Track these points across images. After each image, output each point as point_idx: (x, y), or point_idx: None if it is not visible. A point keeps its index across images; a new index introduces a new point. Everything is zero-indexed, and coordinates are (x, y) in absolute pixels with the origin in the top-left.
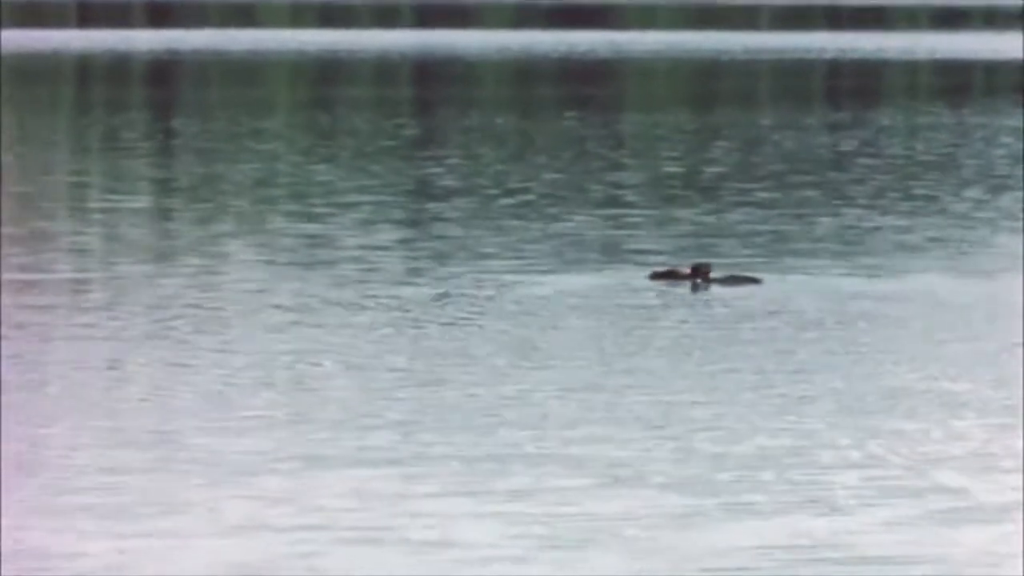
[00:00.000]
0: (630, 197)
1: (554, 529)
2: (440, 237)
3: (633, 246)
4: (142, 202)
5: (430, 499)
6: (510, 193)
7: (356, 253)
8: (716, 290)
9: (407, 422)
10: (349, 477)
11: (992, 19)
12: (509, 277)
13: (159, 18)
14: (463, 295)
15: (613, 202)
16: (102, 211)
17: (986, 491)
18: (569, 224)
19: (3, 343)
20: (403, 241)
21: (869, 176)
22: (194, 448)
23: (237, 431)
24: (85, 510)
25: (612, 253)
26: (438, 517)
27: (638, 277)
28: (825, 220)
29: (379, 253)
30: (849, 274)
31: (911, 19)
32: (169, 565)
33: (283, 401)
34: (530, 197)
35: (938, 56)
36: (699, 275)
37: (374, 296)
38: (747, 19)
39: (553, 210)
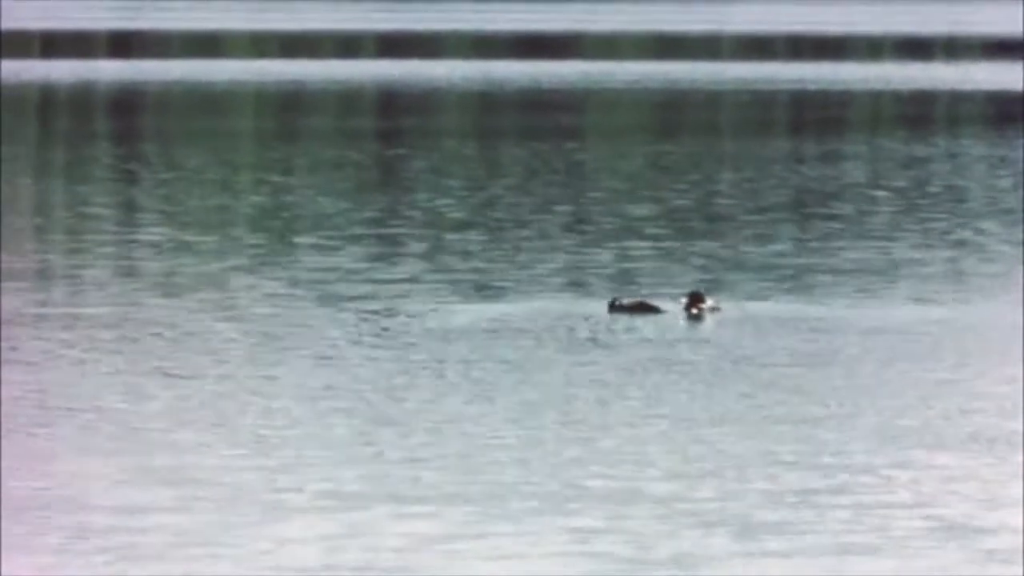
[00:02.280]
0: (594, 227)
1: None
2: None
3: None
4: (141, 235)
5: (481, 539)
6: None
7: (365, 288)
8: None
9: (417, 459)
10: (375, 516)
11: (952, 50)
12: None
13: (122, 49)
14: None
15: (576, 231)
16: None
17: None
18: (533, 252)
19: (11, 375)
20: (372, 269)
21: (823, 205)
22: (220, 485)
23: (268, 468)
24: (107, 551)
25: (573, 280)
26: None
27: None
28: (780, 247)
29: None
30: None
31: (875, 49)
32: None
33: (310, 435)
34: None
35: (901, 86)
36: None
37: (365, 326)
38: (710, 49)
39: (518, 237)
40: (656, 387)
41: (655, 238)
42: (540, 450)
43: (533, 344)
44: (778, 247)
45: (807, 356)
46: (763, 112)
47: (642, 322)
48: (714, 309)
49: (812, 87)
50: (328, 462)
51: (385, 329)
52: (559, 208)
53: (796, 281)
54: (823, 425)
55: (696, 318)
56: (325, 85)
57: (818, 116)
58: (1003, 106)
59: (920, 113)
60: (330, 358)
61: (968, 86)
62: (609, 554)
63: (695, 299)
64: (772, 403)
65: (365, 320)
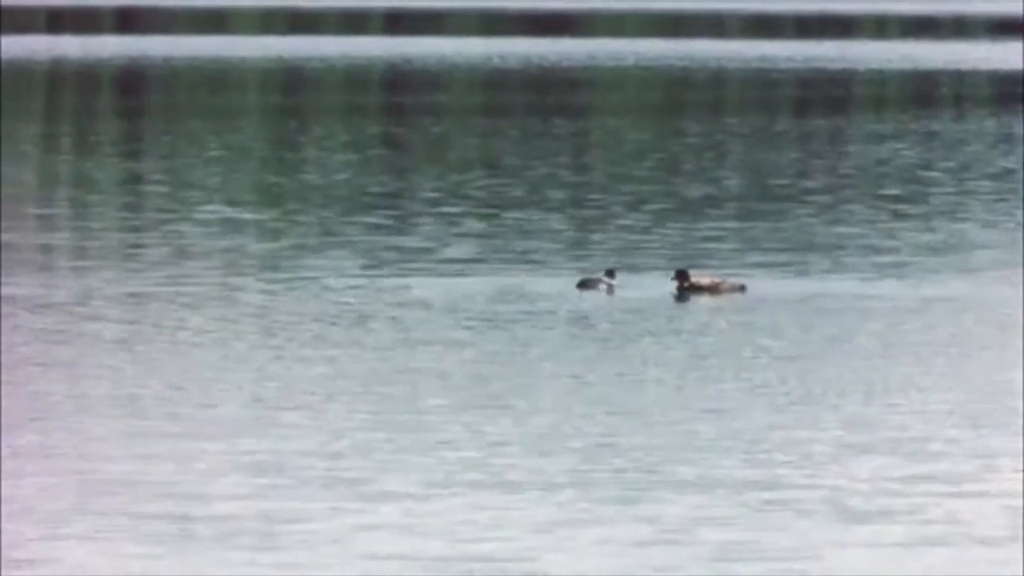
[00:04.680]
0: (598, 202)
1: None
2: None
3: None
4: (199, 214)
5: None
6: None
7: (431, 267)
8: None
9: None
10: (457, 502)
11: (962, 29)
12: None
13: (128, 24)
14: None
15: (578, 206)
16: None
17: None
18: (537, 227)
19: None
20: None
21: (839, 184)
22: (300, 471)
23: (343, 453)
24: (191, 537)
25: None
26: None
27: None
28: (794, 225)
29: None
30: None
31: (881, 28)
32: None
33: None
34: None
35: (911, 66)
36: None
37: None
38: (716, 27)
39: (518, 214)
40: (721, 371)
41: (659, 216)
42: (617, 436)
43: (618, 327)
44: (790, 224)
45: (876, 339)
46: (768, 91)
47: (709, 303)
48: (707, 286)
49: (818, 66)
50: (406, 448)
51: (460, 312)
52: (562, 184)
53: (829, 258)
54: (898, 409)
55: (684, 296)
56: (332, 61)
57: (823, 95)
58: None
59: (928, 92)
60: (403, 340)
61: (972, 66)
62: (705, 542)
63: (682, 276)
64: (847, 388)
65: (437, 303)
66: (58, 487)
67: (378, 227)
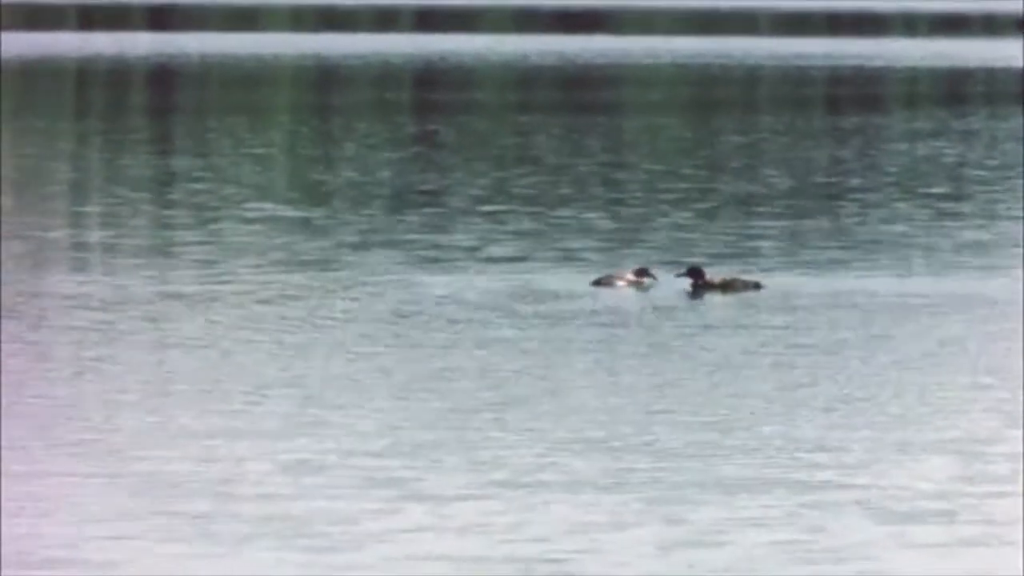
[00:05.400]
0: (627, 199)
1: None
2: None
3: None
4: (243, 211)
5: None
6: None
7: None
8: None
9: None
10: (517, 502)
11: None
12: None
13: (159, 22)
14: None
15: (611, 203)
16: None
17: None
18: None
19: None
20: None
21: (876, 183)
22: (353, 470)
23: (399, 452)
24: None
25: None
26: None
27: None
28: (824, 223)
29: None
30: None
31: (910, 25)
32: None
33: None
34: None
35: (937, 63)
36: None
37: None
38: (749, 24)
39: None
40: (752, 369)
41: (703, 214)
42: (676, 436)
43: (656, 325)
44: (831, 221)
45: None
46: (799, 88)
47: (731, 300)
48: (725, 283)
49: (849, 63)
50: (448, 447)
51: (514, 310)
52: (596, 182)
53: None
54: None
55: (698, 294)
56: (362, 59)
57: (854, 92)
58: None
59: (963, 90)
60: (448, 339)
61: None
62: (741, 544)
63: (695, 273)
64: (883, 387)
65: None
66: (100, 486)
67: (422, 225)
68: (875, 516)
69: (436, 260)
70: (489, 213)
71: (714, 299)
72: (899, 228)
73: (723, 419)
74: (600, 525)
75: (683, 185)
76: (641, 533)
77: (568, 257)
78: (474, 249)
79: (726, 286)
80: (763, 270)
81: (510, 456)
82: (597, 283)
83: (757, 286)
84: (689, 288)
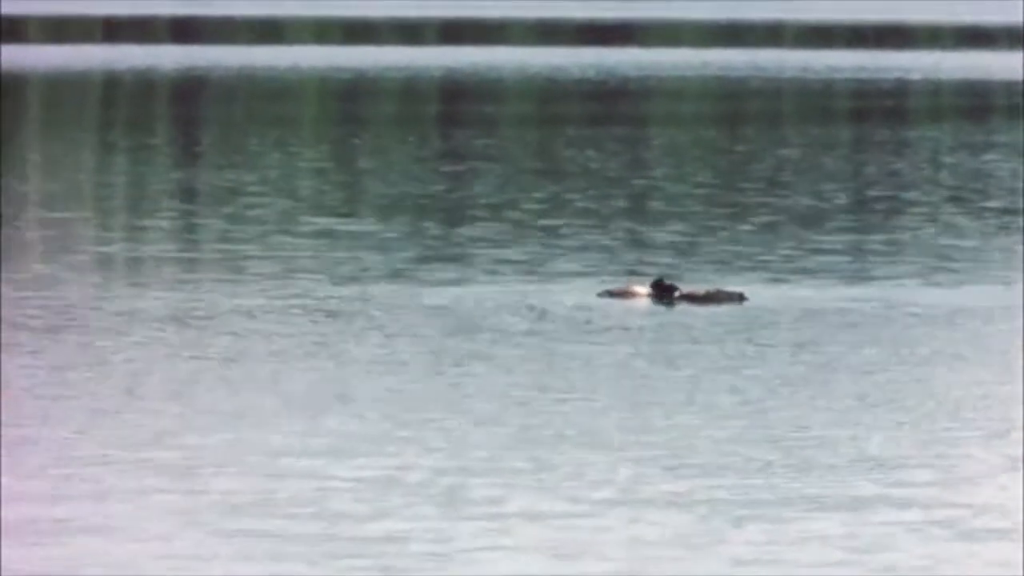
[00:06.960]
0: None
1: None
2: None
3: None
4: (299, 224)
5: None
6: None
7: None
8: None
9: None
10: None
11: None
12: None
13: (184, 35)
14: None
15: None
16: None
17: None
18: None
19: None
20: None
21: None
22: (419, 487)
23: (465, 470)
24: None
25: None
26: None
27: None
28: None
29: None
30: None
31: (935, 38)
32: None
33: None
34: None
35: (960, 76)
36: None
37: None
38: (775, 37)
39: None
40: (783, 381)
41: (761, 228)
42: (747, 453)
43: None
44: (844, 238)
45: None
46: (824, 100)
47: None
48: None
49: (873, 76)
50: (519, 463)
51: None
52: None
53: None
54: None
55: (667, 304)
56: (396, 72)
57: (880, 105)
58: None
59: (980, 104)
60: (516, 355)
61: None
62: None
63: (659, 287)
64: (952, 404)
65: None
66: (170, 504)
67: (483, 239)
68: (937, 534)
69: (500, 273)
70: (549, 228)
71: (705, 311)
72: (961, 241)
73: (788, 435)
74: (677, 541)
75: (740, 199)
76: (717, 550)
77: (631, 271)
78: (537, 263)
79: (707, 298)
80: (821, 284)
81: (585, 474)
82: (609, 294)
83: (741, 298)
84: (655, 297)
